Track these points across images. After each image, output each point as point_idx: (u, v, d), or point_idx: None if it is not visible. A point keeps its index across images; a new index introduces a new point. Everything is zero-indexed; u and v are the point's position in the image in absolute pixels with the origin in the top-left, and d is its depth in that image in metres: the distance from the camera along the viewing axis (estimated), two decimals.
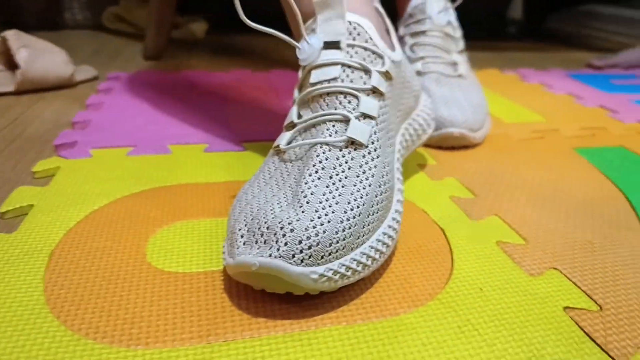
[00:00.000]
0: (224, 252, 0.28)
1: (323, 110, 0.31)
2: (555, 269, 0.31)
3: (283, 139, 0.32)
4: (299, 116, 0.33)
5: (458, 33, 0.57)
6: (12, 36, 0.66)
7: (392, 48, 0.37)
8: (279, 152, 0.32)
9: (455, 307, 0.27)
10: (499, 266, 0.30)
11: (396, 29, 0.59)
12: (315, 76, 0.32)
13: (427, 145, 0.50)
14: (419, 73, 0.54)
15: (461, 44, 0.57)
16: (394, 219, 0.29)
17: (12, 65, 0.66)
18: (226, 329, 0.24)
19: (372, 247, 0.27)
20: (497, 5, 1.61)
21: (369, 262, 0.27)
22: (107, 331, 0.24)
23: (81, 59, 0.86)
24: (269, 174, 0.31)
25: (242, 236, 0.26)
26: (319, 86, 0.32)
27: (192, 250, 0.31)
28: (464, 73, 0.55)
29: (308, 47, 0.33)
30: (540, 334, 0.25)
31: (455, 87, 0.53)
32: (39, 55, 0.65)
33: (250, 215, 0.27)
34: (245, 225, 0.26)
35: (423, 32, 0.56)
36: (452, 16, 0.57)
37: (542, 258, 0.32)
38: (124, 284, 0.28)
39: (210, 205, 0.37)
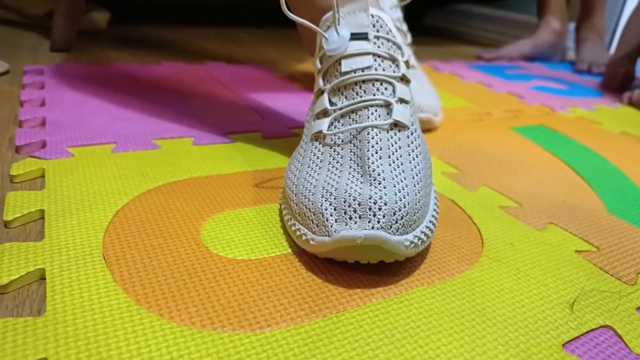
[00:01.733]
0: (304, 234, 0.29)
1: (361, 97, 0.34)
2: (552, 223, 0.37)
3: (323, 125, 0.33)
4: (332, 103, 0.35)
5: (405, 27, 0.63)
6: None
7: None
8: (318, 137, 0.33)
9: (502, 260, 0.31)
10: (512, 225, 0.36)
11: None
12: (346, 65, 0.34)
13: None
14: None
15: (408, 37, 0.63)
16: (435, 190, 0.33)
17: None
18: (333, 302, 0.26)
19: (433, 215, 0.30)
20: None
21: (434, 228, 0.30)
22: (215, 320, 0.24)
23: None
24: (318, 159, 0.32)
25: (331, 215, 0.27)
26: (352, 74, 0.34)
27: (251, 238, 0.31)
28: (414, 64, 0.60)
29: (338, 38, 0.35)
30: (573, 272, 0.31)
31: (410, 77, 0.58)
32: None
33: (330, 195, 0.28)
34: (330, 204, 0.28)
35: None
36: (399, 13, 0.62)
37: (539, 216, 0.38)
38: (207, 276, 0.27)
39: (240, 195, 0.37)
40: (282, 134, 0.49)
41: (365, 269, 0.29)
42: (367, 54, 0.34)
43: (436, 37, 1.45)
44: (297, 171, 0.32)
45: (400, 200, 0.28)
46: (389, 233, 0.26)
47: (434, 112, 0.55)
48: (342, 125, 0.33)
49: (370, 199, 0.27)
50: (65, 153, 0.41)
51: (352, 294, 0.27)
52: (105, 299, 0.25)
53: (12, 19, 0.98)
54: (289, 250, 0.31)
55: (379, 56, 0.35)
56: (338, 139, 0.33)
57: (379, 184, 0.28)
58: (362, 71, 0.34)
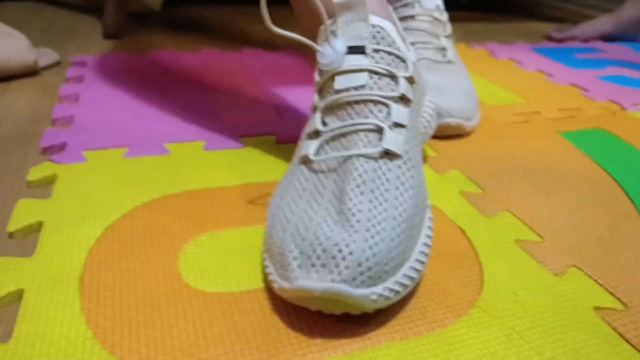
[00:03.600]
0: (270, 274, 0.27)
1: (352, 119, 0.31)
2: (576, 267, 0.33)
3: (310, 148, 0.31)
4: (324, 123, 0.32)
5: (445, 16, 0.57)
6: None
7: (408, 49, 0.37)
8: (306, 161, 0.31)
9: (497, 315, 0.28)
10: (524, 266, 0.32)
11: None
12: (340, 82, 0.32)
13: None
14: None
15: (449, 28, 0.57)
16: (429, 227, 0.30)
17: None
18: (287, 353, 0.25)
19: (417, 260, 0.28)
20: None
21: (415, 275, 0.27)
22: None
23: (33, 37, 0.79)
24: (301, 187, 0.30)
25: (294, 259, 0.26)
26: (345, 93, 0.31)
27: (227, 266, 0.31)
28: (452, 59, 0.55)
29: (332, 52, 0.32)
30: (580, 338, 0.27)
31: (446, 74, 0.53)
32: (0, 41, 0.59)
33: (299, 235, 0.26)
34: (296, 246, 0.26)
35: (412, 17, 0.55)
36: (438, 1, 0.57)
37: (562, 256, 0.34)
38: (169, 310, 0.27)
39: (230, 213, 0.36)
40: (296, 139, 0.48)
41: (338, 316, 0.27)
42: (363, 70, 0.31)
43: (500, 11, 1.32)
44: (279, 199, 0.31)
45: (370, 249, 0.25)
46: (352, 286, 0.24)
47: (466, 116, 0.50)
48: (330, 149, 0.31)
49: (336, 245, 0.25)
50: (79, 157, 0.42)
51: (312, 344, 0.25)
52: (67, 330, 0.25)
53: (73, 3, 1.02)
54: (261, 284, 0.29)
55: (375, 73, 0.32)
56: (325, 165, 0.30)
57: (351, 226, 0.26)
58: (356, 90, 0.31)
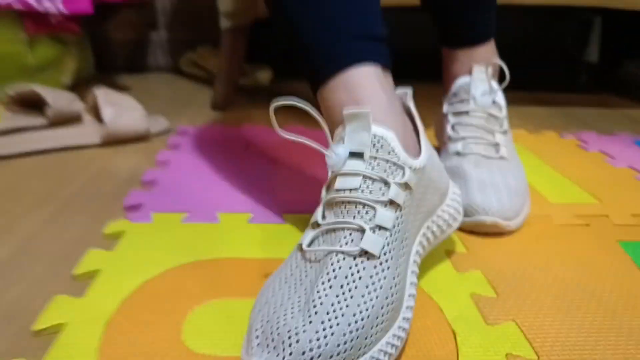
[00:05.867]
0: (242, 345, 0.31)
1: (343, 217, 0.34)
2: None
3: (306, 238, 0.35)
4: (324, 217, 0.36)
5: (503, 112, 0.58)
6: (101, 94, 0.76)
7: (418, 153, 0.40)
8: (300, 249, 0.35)
9: None
10: None
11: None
12: (339, 183, 0.36)
13: (460, 229, 0.51)
14: (458, 154, 0.55)
15: (505, 124, 0.58)
16: (400, 327, 0.32)
17: (100, 118, 0.76)
18: None
19: (373, 358, 0.29)
20: (571, 48, 1.55)
21: None
22: None
23: (157, 104, 0.96)
24: (290, 272, 0.34)
25: (257, 337, 0.29)
26: (341, 194, 0.35)
27: (225, 331, 0.35)
28: (505, 155, 0.55)
29: (335, 156, 0.36)
30: None
31: (495, 170, 0.53)
32: (121, 113, 0.74)
33: (267, 317, 0.30)
34: (261, 326, 0.30)
35: (466, 113, 0.57)
36: (498, 96, 0.58)
37: None
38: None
39: (244, 283, 0.41)
40: None
41: None
42: (358, 174, 0.35)
43: (624, 93, 1.23)
44: (272, 279, 0.35)
45: (318, 340, 0.28)
46: None
47: (505, 215, 0.50)
48: (322, 242, 0.34)
49: (289, 331, 0.28)
50: (147, 218, 0.51)
51: None
52: None
53: (198, 75, 1.21)
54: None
55: (369, 178, 0.35)
56: (313, 256, 0.34)
57: (309, 317, 0.29)
58: (350, 191, 0.35)
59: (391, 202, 0.35)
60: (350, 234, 0.33)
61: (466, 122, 0.57)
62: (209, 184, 0.60)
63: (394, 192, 0.34)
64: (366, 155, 0.35)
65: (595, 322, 0.38)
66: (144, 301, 0.38)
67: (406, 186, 0.36)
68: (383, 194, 0.34)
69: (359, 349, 0.29)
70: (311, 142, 0.36)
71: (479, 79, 0.57)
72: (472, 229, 0.51)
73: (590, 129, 0.93)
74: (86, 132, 0.75)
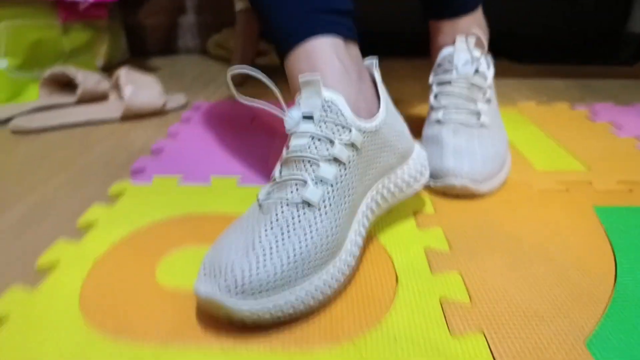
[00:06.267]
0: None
1: (292, 172, 0.38)
2: (482, 333, 0.34)
3: (262, 192, 0.39)
4: (280, 173, 0.40)
5: (488, 82, 0.59)
6: (123, 73, 0.83)
7: (371, 116, 0.43)
8: (258, 201, 0.39)
9: (366, 355, 0.32)
10: (427, 320, 0.35)
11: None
12: (292, 143, 0.39)
13: (432, 192, 0.54)
14: (438, 122, 0.57)
15: (489, 93, 0.59)
16: (337, 269, 0.36)
17: (122, 96, 0.83)
18: (185, 336, 0.33)
19: (304, 290, 0.33)
20: (613, 19, 1.48)
21: (300, 307, 0.33)
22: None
23: (181, 83, 1.02)
24: (245, 219, 0.38)
25: (204, 269, 0.34)
26: (292, 152, 0.39)
27: (193, 271, 0.40)
28: (486, 123, 0.57)
29: (290, 119, 0.40)
30: None
31: (474, 137, 0.55)
32: (140, 90, 0.80)
33: (214, 254, 0.35)
34: (209, 261, 0.35)
35: (448, 82, 0.59)
36: (481, 65, 0.59)
37: (474, 320, 0.35)
38: (133, 292, 0.38)
39: (215, 234, 0.45)
40: None
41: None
42: (307, 135, 0.39)
43: None
44: (230, 226, 0.39)
45: (250, 272, 0.32)
46: (226, 296, 0.32)
47: (476, 178, 0.51)
48: (274, 194, 0.39)
49: (227, 264, 0.33)
50: (148, 180, 0.57)
51: (203, 336, 0.33)
52: (65, 293, 0.38)
53: (223, 55, 1.26)
54: None
55: (317, 137, 0.38)
56: (266, 206, 0.38)
57: (246, 254, 0.33)
58: (300, 150, 0.39)
59: (335, 159, 0.38)
60: (296, 186, 0.37)
61: (448, 91, 0.58)
62: (208, 152, 0.65)
63: (338, 150, 0.38)
64: (316, 118, 0.39)
65: (538, 277, 0.40)
66: (129, 245, 0.44)
67: (352, 145, 0.39)
68: (328, 151, 0.38)
69: (289, 282, 0.33)
70: (269, 106, 0.40)
71: (461, 49, 0.59)
72: (444, 192, 0.53)
73: (608, 100, 0.90)
74: (109, 108, 0.82)
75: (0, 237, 0.46)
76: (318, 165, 0.37)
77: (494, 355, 0.32)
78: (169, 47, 1.35)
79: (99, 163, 0.63)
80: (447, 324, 0.35)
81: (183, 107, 0.87)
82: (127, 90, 0.80)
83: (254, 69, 0.38)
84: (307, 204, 0.36)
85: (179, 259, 0.42)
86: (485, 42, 0.62)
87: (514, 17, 1.32)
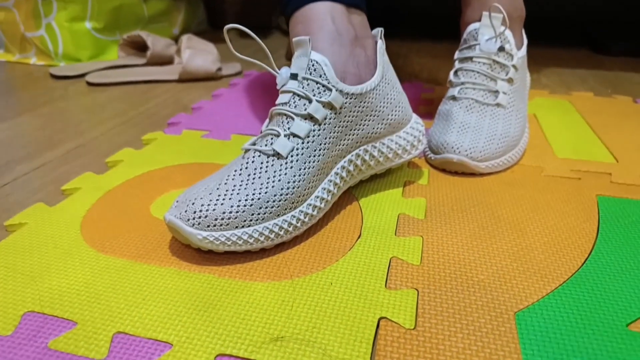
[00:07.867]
0: None
1: (272, 126, 0.41)
2: (415, 289, 0.35)
3: (249, 141, 0.43)
4: (266, 126, 0.43)
5: (514, 61, 0.57)
6: (185, 39, 0.91)
7: (360, 81, 0.44)
8: (244, 149, 0.43)
9: (303, 292, 0.35)
10: (369, 274, 0.37)
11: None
12: (278, 98, 0.43)
13: (432, 166, 0.54)
14: (453, 98, 0.57)
15: (512, 72, 0.57)
16: (295, 217, 0.39)
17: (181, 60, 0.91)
18: (152, 256, 0.38)
19: (256, 231, 0.37)
20: None
21: (251, 240, 0.37)
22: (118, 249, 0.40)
23: (244, 53, 1.08)
24: (227, 166, 0.43)
25: (177, 202, 0.39)
26: (276, 107, 0.42)
27: None
28: (504, 103, 0.55)
29: (279, 76, 0.43)
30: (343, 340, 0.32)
31: (486, 115, 0.54)
32: (196, 55, 0.88)
33: (191, 189, 0.40)
34: (183, 195, 0.39)
35: (470, 59, 0.58)
36: (509, 42, 0.57)
37: (414, 279, 0.36)
38: (133, 221, 0.44)
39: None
40: None
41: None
42: (289, 92, 0.42)
43: None
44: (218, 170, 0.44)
45: (209, 205, 0.36)
46: (185, 224, 0.36)
47: (475, 156, 0.51)
48: (256, 144, 0.42)
49: (192, 198, 0.37)
50: (178, 132, 0.63)
51: (172, 257, 0.38)
52: (68, 214, 0.45)
53: None
54: None
55: (297, 95, 0.41)
56: (248, 154, 0.42)
57: (210, 192, 0.37)
58: (282, 105, 0.42)
59: (310, 117, 0.41)
60: (272, 138, 0.40)
61: (468, 67, 0.58)
62: (238, 114, 0.70)
63: (314, 108, 0.40)
64: (300, 76, 0.42)
65: (499, 250, 0.40)
66: (138, 182, 0.50)
67: (330, 105, 0.41)
68: (305, 108, 0.41)
69: (244, 220, 0.37)
70: (262, 63, 0.44)
71: (486, 25, 0.57)
72: (443, 167, 0.53)
73: None
74: (171, 70, 0.91)
75: (45, 166, 0.55)
76: (293, 120, 0.40)
77: (418, 310, 0.33)
78: (245, 21, 1.42)
79: (145, 115, 0.71)
80: (387, 279, 0.36)
81: (237, 74, 0.93)
82: (185, 55, 0.87)
83: (247, 29, 0.42)
84: (278, 154, 0.39)
85: (174, 196, 0.48)
86: (518, 20, 0.59)
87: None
